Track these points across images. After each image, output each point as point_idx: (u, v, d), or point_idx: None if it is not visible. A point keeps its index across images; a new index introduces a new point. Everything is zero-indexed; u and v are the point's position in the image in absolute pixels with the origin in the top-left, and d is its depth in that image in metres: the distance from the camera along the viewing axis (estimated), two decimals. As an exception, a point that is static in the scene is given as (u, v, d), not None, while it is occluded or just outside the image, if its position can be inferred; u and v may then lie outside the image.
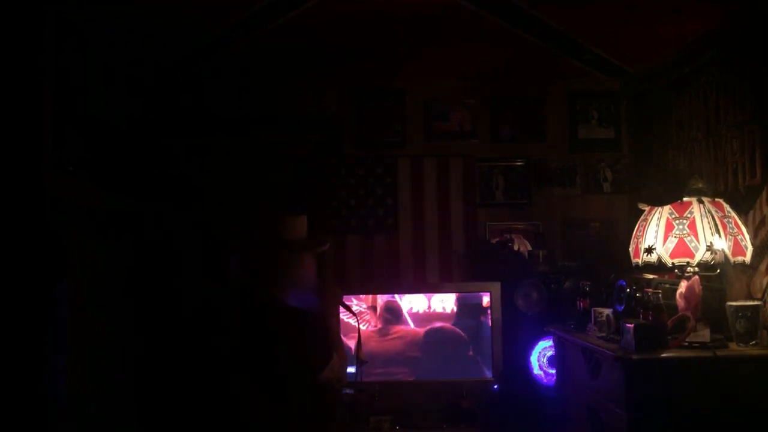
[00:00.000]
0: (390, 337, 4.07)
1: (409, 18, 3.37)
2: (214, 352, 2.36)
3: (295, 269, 2.42)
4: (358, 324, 2.93)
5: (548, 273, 4.05)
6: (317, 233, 4.25)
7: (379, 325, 4.08)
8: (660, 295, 2.94)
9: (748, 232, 2.96)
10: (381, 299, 4.09)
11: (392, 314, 4.10)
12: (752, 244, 2.94)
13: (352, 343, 3.56)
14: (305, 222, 2.49)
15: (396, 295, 4.11)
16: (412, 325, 4.09)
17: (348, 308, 2.90)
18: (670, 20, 3.26)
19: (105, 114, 3.41)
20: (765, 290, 2.95)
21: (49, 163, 2.77)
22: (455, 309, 4.09)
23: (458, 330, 4.07)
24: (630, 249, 3.17)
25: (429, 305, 4.10)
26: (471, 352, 4.06)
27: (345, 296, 3.80)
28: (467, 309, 4.09)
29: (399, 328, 4.08)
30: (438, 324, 4.09)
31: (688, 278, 2.89)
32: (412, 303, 4.10)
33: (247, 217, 2.48)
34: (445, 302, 4.11)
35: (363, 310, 4.06)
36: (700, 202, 2.96)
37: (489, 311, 4.02)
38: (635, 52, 3.85)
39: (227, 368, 2.33)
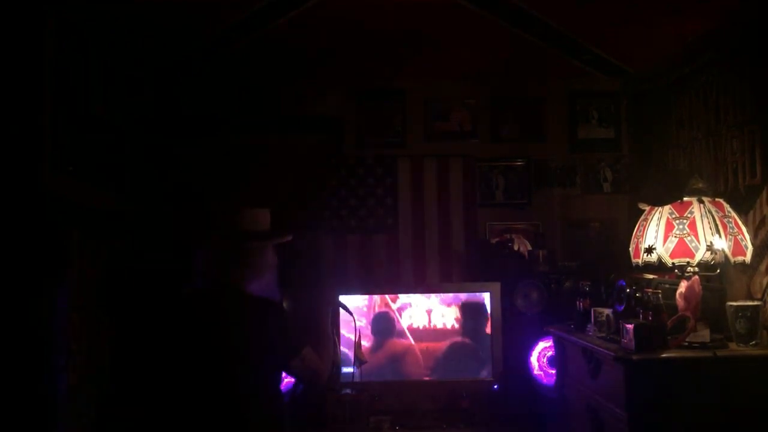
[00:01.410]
0: (383, 352, 4.01)
1: (410, 18, 3.37)
2: (186, 347, 2.36)
3: (255, 260, 2.45)
4: (355, 323, 2.92)
5: (548, 273, 4.05)
6: (316, 232, 4.31)
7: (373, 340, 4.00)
8: (660, 295, 2.94)
9: (748, 232, 2.96)
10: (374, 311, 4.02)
11: (387, 326, 4.01)
12: (752, 244, 2.94)
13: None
14: (268, 215, 2.53)
15: (394, 308, 4.03)
16: (411, 340, 4.03)
17: (344, 307, 2.90)
18: (670, 20, 3.26)
19: (105, 114, 3.41)
20: (765, 290, 2.95)
21: (49, 163, 2.77)
22: (459, 320, 4.02)
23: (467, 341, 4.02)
24: (630, 249, 3.17)
25: (429, 320, 4.02)
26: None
27: (343, 295, 3.84)
28: (469, 314, 4.05)
29: (395, 342, 4.02)
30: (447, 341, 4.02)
31: (688, 278, 2.89)
32: (412, 318, 4.03)
33: (210, 210, 2.51)
34: (446, 317, 4.03)
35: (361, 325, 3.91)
36: (701, 201, 2.96)
37: (489, 311, 4.01)
38: (635, 52, 3.85)
39: (198, 362, 2.33)
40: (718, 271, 3.00)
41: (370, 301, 4.03)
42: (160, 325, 2.44)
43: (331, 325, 2.65)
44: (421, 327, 4.01)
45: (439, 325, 4.02)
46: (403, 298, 4.04)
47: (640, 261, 3.05)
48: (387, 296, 4.04)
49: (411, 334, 4.01)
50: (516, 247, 4.25)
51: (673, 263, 2.92)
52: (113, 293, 3.43)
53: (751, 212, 3.06)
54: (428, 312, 4.01)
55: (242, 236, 2.43)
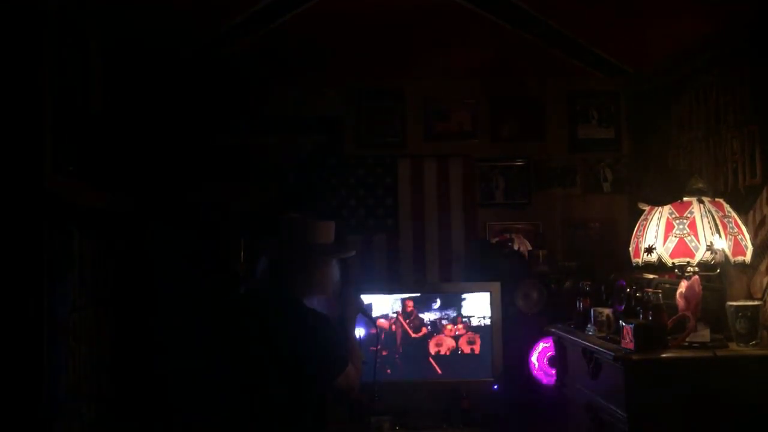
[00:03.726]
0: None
1: (409, 18, 3.38)
2: (231, 353, 2.36)
3: (320, 273, 2.43)
4: (378, 336, 2.89)
5: (548, 273, 4.06)
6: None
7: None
8: (660, 295, 2.95)
9: (748, 232, 2.96)
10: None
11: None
12: (752, 244, 2.94)
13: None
14: (333, 227, 2.51)
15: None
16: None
17: (369, 317, 2.87)
18: (670, 20, 3.26)
19: (105, 114, 3.41)
20: (765, 290, 2.95)
21: (49, 163, 2.77)
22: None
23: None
24: (630, 249, 3.17)
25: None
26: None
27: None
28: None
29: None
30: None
31: (688, 278, 2.89)
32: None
33: (277, 219, 2.49)
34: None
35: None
36: (701, 201, 2.96)
37: (489, 311, 4.00)
38: (635, 52, 3.85)
39: (243, 369, 2.33)
40: (718, 271, 3.00)
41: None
42: (211, 322, 2.44)
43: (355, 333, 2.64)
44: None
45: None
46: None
47: (640, 261, 3.05)
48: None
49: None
50: (516, 247, 4.26)
51: (673, 263, 2.92)
52: (113, 293, 3.43)
53: (751, 212, 3.06)
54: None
55: (308, 249, 2.42)
